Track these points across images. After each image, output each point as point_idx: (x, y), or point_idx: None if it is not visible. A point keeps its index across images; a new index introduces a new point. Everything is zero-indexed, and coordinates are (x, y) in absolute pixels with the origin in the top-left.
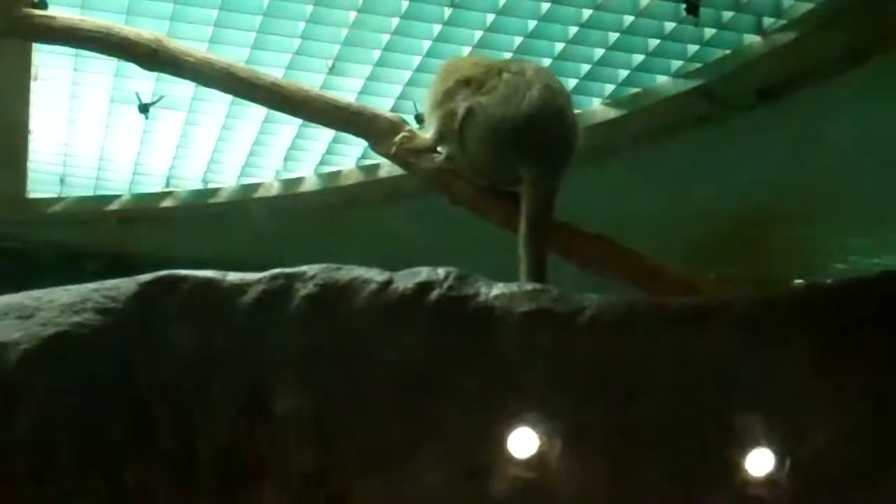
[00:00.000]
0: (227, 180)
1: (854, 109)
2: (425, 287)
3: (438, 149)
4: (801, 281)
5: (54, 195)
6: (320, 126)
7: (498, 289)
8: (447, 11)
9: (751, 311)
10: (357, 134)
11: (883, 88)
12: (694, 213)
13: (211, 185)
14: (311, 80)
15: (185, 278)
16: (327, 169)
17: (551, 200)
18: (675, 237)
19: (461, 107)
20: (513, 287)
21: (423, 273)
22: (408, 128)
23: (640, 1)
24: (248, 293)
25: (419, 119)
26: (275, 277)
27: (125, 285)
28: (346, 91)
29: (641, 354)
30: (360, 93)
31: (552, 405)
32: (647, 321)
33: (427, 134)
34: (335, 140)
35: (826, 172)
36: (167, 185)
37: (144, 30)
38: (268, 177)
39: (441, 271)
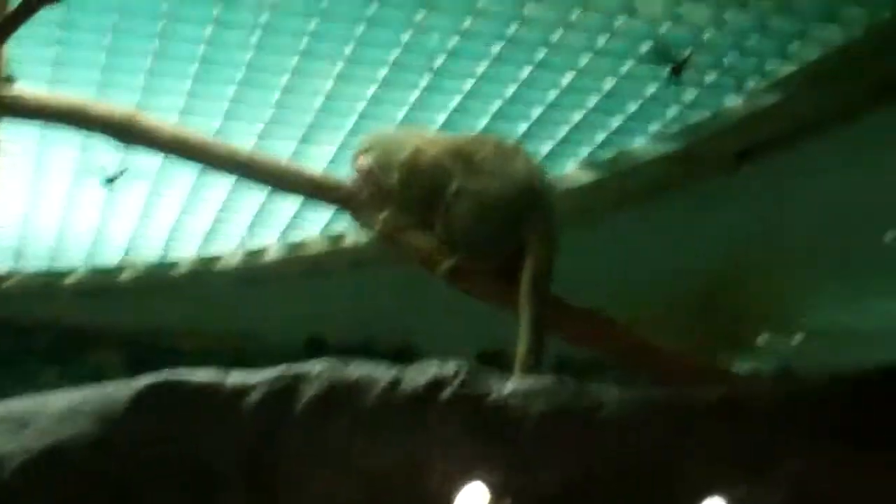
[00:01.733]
0: (188, 251)
1: (833, 169)
2: (436, 385)
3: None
4: (765, 336)
5: (8, 269)
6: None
7: (511, 386)
8: (425, 78)
9: (781, 402)
10: (338, 207)
11: (863, 148)
12: (667, 275)
13: (172, 257)
14: (283, 149)
15: (183, 382)
16: (292, 238)
17: (552, 262)
18: (645, 301)
19: (453, 187)
20: (528, 382)
21: (433, 369)
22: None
23: (621, 65)
24: (251, 395)
25: None
26: (278, 378)
27: (120, 390)
28: (319, 159)
29: (669, 450)
30: (331, 162)
31: None
32: (674, 414)
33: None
34: (302, 208)
35: (800, 232)
36: (127, 256)
37: (117, 106)
38: (231, 247)
39: (451, 366)
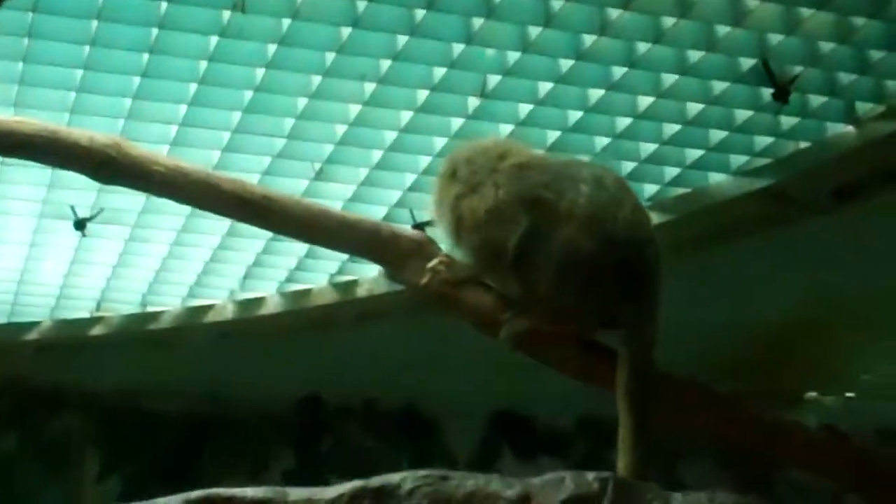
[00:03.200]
0: (171, 302)
1: None
2: None
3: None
4: (814, 394)
5: None
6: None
7: (678, 502)
8: (473, 102)
9: None
10: (372, 259)
11: None
12: (727, 326)
13: (152, 308)
14: (291, 187)
15: (233, 500)
16: (294, 287)
17: (654, 345)
18: (705, 350)
19: (517, 241)
20: (698, 498)
21: (568, 482)
22: (443, 253)
23: (713, 86)
24: None
25: (418, 229)
26: (356, 496)
27: None
28: (333, 198)
29: None
30: (349, 200)
31: None
32: None
33: (461, 257)
34: (306, 256)
35: (885, 282)
36: (98, 309)
37: (99, 132)
38: (222, 297)
39: (591, 478)
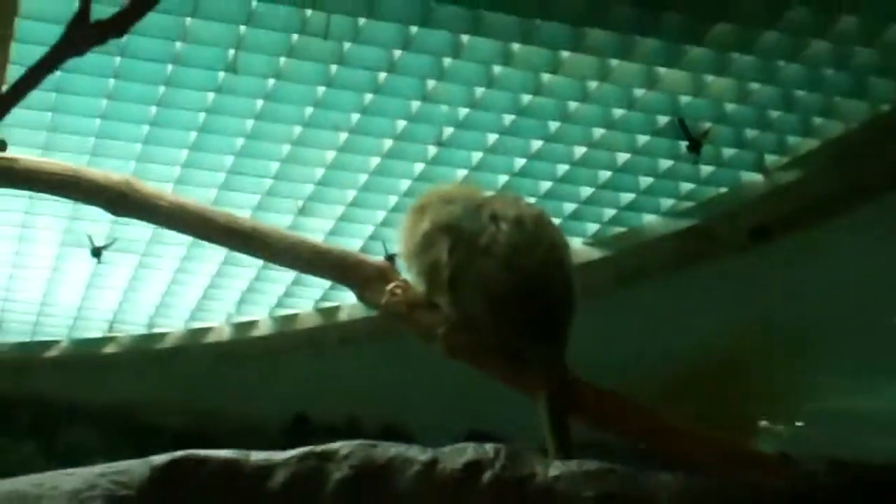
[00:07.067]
0: (175, 324)
1: (849, 251)
2: (475, 467)
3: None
4: (766, 422)
5: None
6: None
7: (556, 468)
8: (432, 150)
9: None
10: (341, 282)
11: (879, 228)
12: (668, 355)
13: (158, 330)
14: (278, 221)
15: (204, 460)
16: (283, 311)
17: (566, 369)
18: (643, 380)
19: (446, 261)
20: (572, 466)
21: (470, 450)
22: (401, 277)
23: (637, 139)
24: (276, 476)
25: (389, 260)
26: (304, 458)
27: (137, 469)
28: (315, 232)
29: None
30: (329, 234)
31: None
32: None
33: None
34: (294, 283)
35: (809, 313)
36: (111, 329)
37: (113, 172)
38: (219, 320)
39: (489, 448)
